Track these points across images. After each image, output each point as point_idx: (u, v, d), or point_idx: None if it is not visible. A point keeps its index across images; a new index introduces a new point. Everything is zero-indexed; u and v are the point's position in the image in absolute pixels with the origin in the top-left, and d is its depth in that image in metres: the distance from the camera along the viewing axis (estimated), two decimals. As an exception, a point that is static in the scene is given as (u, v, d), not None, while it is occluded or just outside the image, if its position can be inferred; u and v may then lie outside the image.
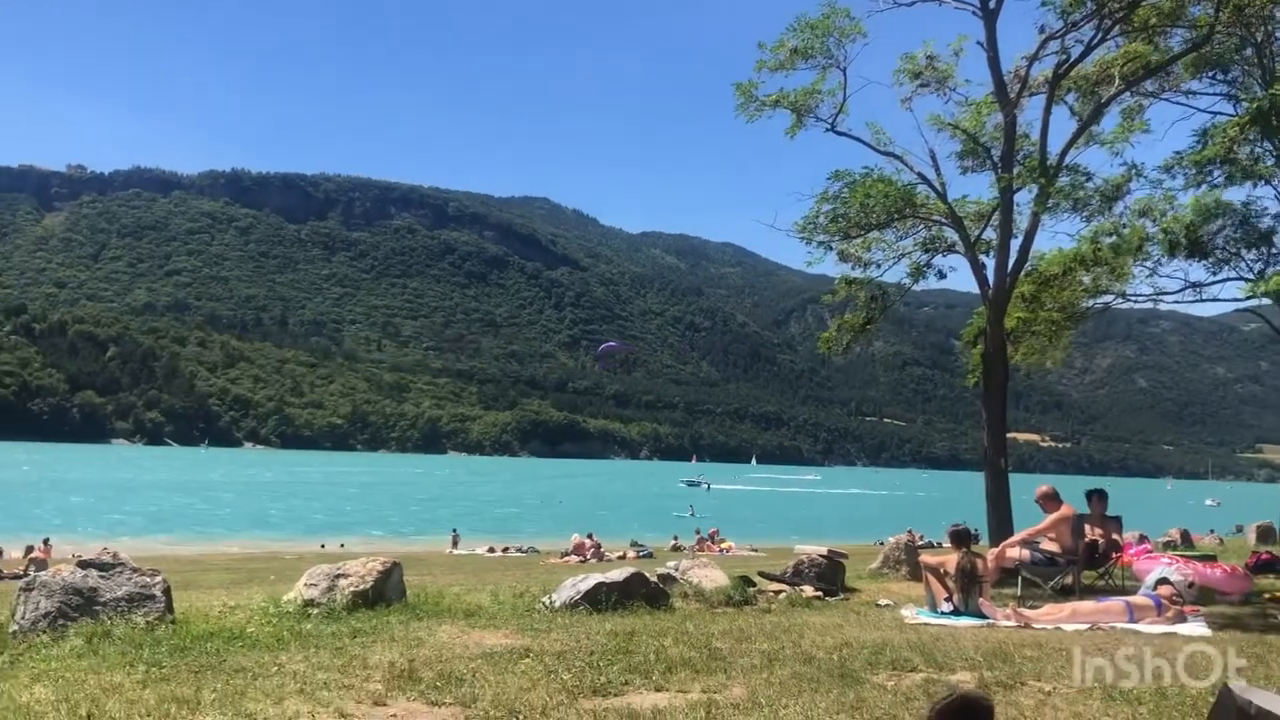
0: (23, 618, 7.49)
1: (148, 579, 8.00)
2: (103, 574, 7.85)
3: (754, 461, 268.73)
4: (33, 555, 25.12)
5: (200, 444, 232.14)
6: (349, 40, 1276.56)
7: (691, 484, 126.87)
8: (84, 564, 7.92)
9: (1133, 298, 19.16)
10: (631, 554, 31.06)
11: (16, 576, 21.51)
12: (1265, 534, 25.18)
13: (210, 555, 32.22)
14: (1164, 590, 10.07)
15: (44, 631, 7.30)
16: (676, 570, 11.48)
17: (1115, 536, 12.57)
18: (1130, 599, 9.99)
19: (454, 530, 40.32)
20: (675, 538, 38.35)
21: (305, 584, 9.11)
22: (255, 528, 48.14)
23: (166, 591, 8.04)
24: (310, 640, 7.47)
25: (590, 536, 32.81)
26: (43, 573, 8.08)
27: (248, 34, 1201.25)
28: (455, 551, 35.46)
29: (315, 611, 8.62)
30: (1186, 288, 18.74)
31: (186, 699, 5.40)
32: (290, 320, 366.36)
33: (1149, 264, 18.21)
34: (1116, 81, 14.87)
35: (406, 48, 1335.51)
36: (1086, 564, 11.81)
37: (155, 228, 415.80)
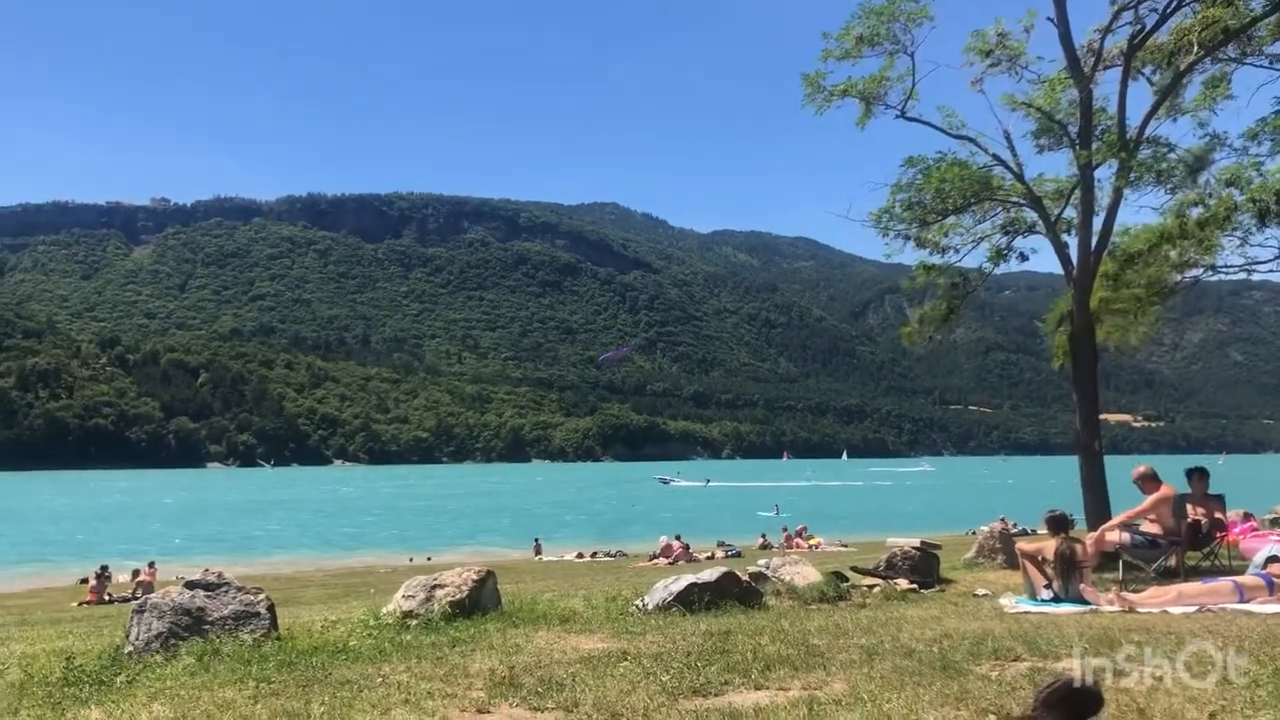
0: (137, 639, 7.74)
1: (252, 597, 8.20)
2: (209, 594, 8.07)
3: (844, 456, 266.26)
4: (140, 579, 25.91)
5: (266, 464, 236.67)
6: (415, 63, 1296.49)
7: (664, 481, 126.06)
8: (191, 584, 8.15)
9: (1223, 269, 18.57)
10: (720, 554, 30.98)
11: (125, 599, 22.26)
12: (1380, 506, 24.19)
13: (306, 572, 32.93)
14: (1275, 568, 9.72)
15: (157, 651, 7.53)
16: (768, 568, 11.43)
17: (1218, 515, 12.20)
18: (1239, 579, 9.67)
19: (536, 539, 40.61)
20: (763, 536, 38.17)
21: (403, 595, 9.26)
22: (343, 544, 49.03)
23: (270, 609, 8.24)
24: (411, 651, 7.60)
25: (678, 538, 32.80)
26: (153, 594, 8.34)
27: (317, 62, 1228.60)
28: (543, 558, 35.73)
29: (414, 622, 8.76)
30: (1279, 256, 18.12)
31: (297, 713, 5.53)
32: (372, 338, 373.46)
33: (1238, 234, 17.66)
34: (1195, 49, 14.43)
35: (471, 65, 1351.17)
36: (1190, 545, 11.48)
37: (238, 255, 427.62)
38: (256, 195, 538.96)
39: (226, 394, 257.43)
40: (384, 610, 9.30)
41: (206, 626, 7.80)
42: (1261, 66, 17.98)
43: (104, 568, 26.34)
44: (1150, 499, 11.14)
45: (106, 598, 24.51)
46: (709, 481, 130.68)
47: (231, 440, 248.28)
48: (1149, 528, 11.20)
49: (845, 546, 33.46)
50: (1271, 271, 18.74)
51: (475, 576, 9.38)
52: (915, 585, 11.56)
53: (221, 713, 5.58)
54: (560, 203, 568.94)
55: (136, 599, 10.11)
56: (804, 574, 11.24)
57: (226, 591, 8.14)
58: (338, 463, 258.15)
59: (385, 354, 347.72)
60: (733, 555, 30.07)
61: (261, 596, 8.26)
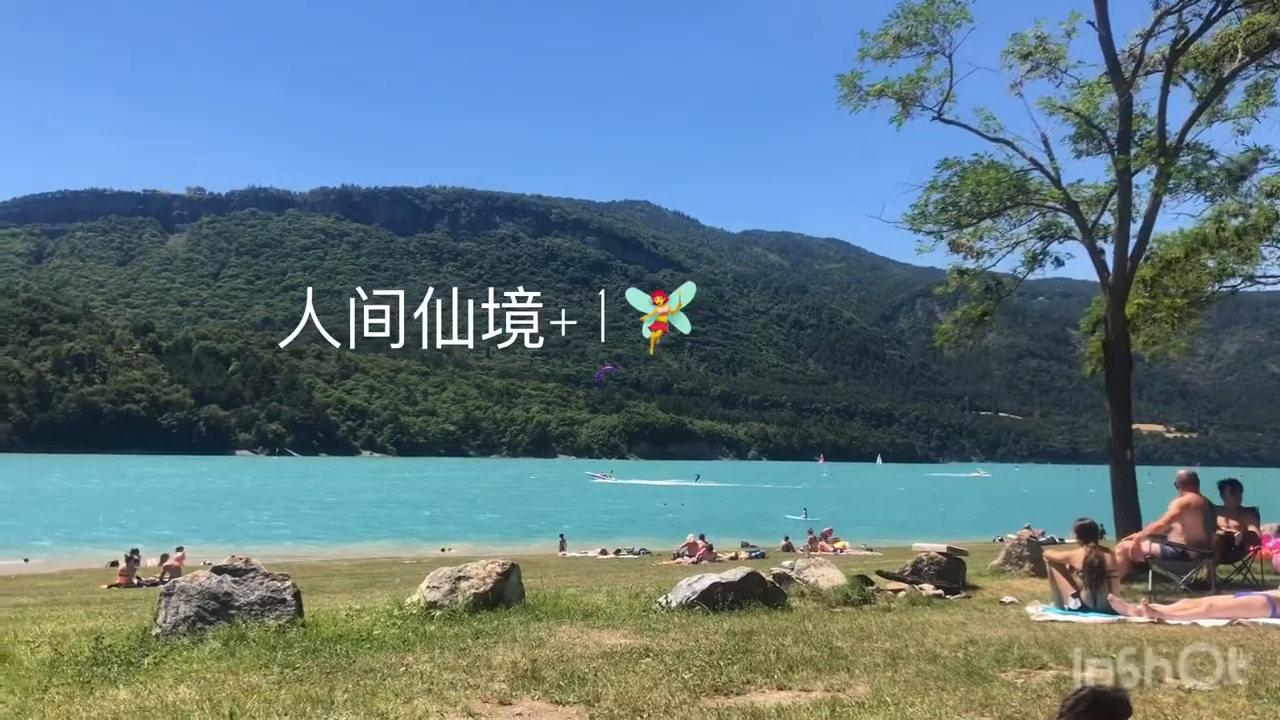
0: (164, 621, 7.82)
1: (278, 583, 8.27)
2: (236, 579, 8.15)
3: (879, 461, 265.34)
4: (168, 563, 26.15)
5: (286, 452, 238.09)
6: (446, 57, 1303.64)
7: (594, 476, 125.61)
8: (218, 570, 8.23)
9: (1262, 280, 18.33)
10: (744, 554, 30.91)
11: (154, 583, 22.47)
12: None
13: (332, 560, 33.14)
14: (1309, 583, 9.60)
15: (184, 634, 7.61)
16: (792, 570, 11.40)
17: (1252, 528, 12.04)
18: (1272, 593, 9.54)
19: (561, 534, 40.64)
20: (786, 538, 38.03)
21: (428, 586, 9.31)
22: (369, 534, 49.28)
23: (296, 595, 8.31)
24: (435, 641, 7.64)
25: (702, 537, 32.76)
26: (181, 578, 8.42)
27: (352, 55, 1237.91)
28: (567, 554, 35.79)
29: (438, 613, 8.80)
30: (1320, 268, 17.87)
31: (320, 699, 5.57)
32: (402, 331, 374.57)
33: (1279, 245, 17.43)
34: (1239, 55, 14.24)
35: (506, 62, 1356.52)
36: (1222, 557, 11.34)
37: (271, 245, 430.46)
38: (290, 186, 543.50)
39: (257, 383, 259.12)
40: (408, 600, 9.35)
41: (233, 611, 7.87)
42: (1308, 74, 17.78)
43: (134, 551, 26.58)
44: (1172, 506, 11.01)
45: (135, 581, 24.75)
46: (698, 476, 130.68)
47: (261, 429, 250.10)
48: (1177, 538, 11.06)
49: (871, 551, 33.31)
50: (1311, 283, 18.45)
51: (500, 569, 9.42)
52: (941, 591, 11.49)
53: (246, 696, 5.63)
54: (591, 200, 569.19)
55: (164, 583, 10.19)
56: (828, 576, 11.20)
57: (253, 577, 8.21)
58: (365, 453, 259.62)
59: (414, 346, 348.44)
60: (757, 556, 29.99)
61: (288, 583, 8.33)
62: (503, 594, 9.27)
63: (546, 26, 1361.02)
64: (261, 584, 8.18)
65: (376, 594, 12.99)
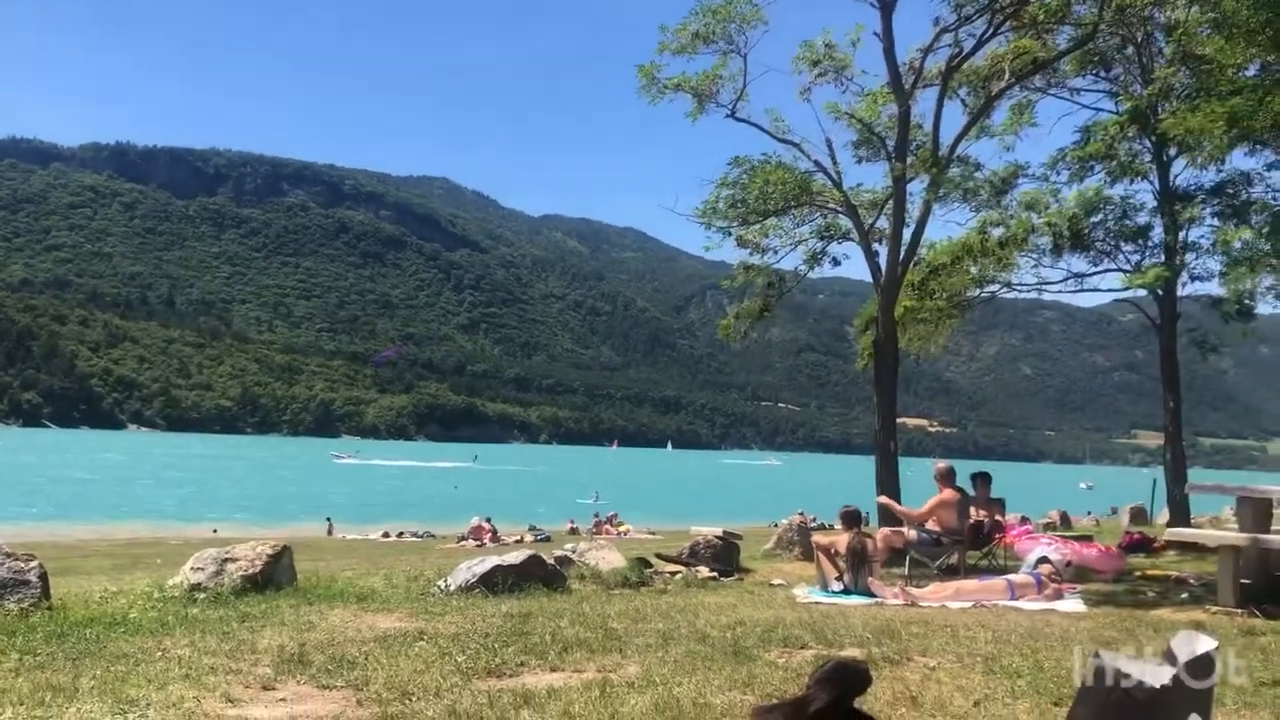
0: (-115, 605, 7.14)
1: (22, 564, 7.69)
2: (-28, 559, 7.53)
3: (669, 447, 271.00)
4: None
5: (43, 424, 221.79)
6: (238, 10, 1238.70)
7: (337, 457, 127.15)
8: (-48, 549, 7.58)
9: (1018, 288, 19.84)
10: (529, 537, 30.96)
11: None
12: (1137, 515, 26.36)
13: (92, 540, 31.05)
14: (1044, 569, 10.48)
15: (-94, 619, 6.97)
16: (574, 553, 11.53)
17: (998, 518, 13.05)
18: (1012, 577, 10.38)
19: (328, 518, 39.26)
20: (571, 521, 38.35)
21: (192, 568, 8.88)
22: (141, 513, 46.50)
23: (43, 577, 7.74)
24: (196, 625, 7.29)
25: (489, 520, 32.60)
26: (-93, 558, 7.70)
27: (134, 2, 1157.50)
28: (346, 536, 34.85)
29: (202, 596, 8.42)
30: (1069, 278, 19.50)
31: (63, 687, 5.21)
32: (177, 299, 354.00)
33: (1034, 255, 18.90)
34: (1006, 75, 15.34)
35: (301, 20, 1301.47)
36: (971, 544, 12.21)
37: (32, 201, 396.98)
38: (57, 139, 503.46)
39: (11, 348, 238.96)
40: (170, 582, 8.92)
41: (-34, 594, 7.27)
42: (1063, 99, 19.34)
43: None
44: (930, 502, 11.77)
45: None
46: (475, 459, 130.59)
47: (14, 398, 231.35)
48: (933, 526, 11.84)
49: (654, 534, 33.99)
50: (1060, 293, 20.09)
51: (270, 551, 9.10)
52: (716, 573, 11.87)
53: (-25, 686, 5.20)
54: (388, 173, 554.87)
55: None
56: (609, 559, 11.38)
57: (-8, 557, 7.60)
58: (133, 427, 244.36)
59: (191, 316, 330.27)
60: (542, 539, 30.10)
61: (34, 564, 7.76)
62: (273, 576, 8.95)
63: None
64: (2, 565, 7.58)
65: (137, 576, 12.27)
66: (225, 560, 8.90)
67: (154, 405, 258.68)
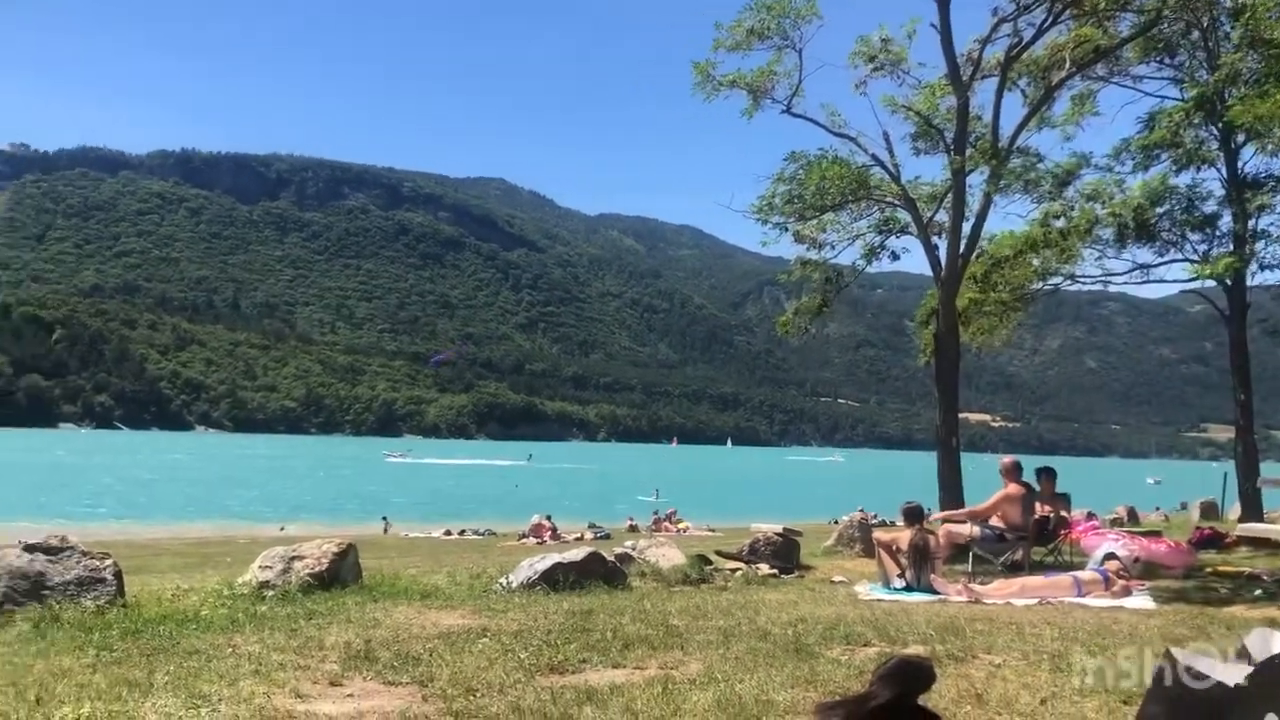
0: (-32, 603, 7.37)
1: (97, 562, 7.90)
2: (50, 558, 7.75)
3: (729, 444, 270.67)
4: (-22, 541, 24.61)
5: (115, 426, 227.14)
6: (297, 17, 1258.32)
7: (390, 456, 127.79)
8: (30, 548, 7.79)
9: (1082, 279, 19.47)
10: (589, 535, 31.07)
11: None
12: (1208, 510, 25.74)
13: (163, 540, 31.76)
14: (1111, 565, 10.28)
15: (-9, 617, 7.20)
16: (634, 550, 11.56)
17: (1064, 513, 12.82)
18: (1078, 574, 10.20)
19: (384, 517, 39.66)
20: (630, 518, 38.41)
21: (260, 566, 9.06)
22: (208, 513, 47.48)
23: (118, 575, 7.95)
24: (265, 622, 7.43)
25: (549, 518, 32.78)
26: (-11, 558, 7.95)
27: (196, 12, 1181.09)
28: (410, 534, 35.25)
29: (270, 594, 8.58)
30: (1134, 269, 19.08)
31: (138, 682, 5.36)
32: (243, 302, 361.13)
33: (1098, 247, 18.53)
34: (1067, 65, 15.06)
35: (358, 25, 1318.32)
36: (1036, 540, 12.03)
37: (103, 208, 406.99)
38: (125, 148, 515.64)
39: (84, 352, 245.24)
40: (239, 580, 9.09)
41: (46, 592, 7.49)
42: (1126, 87, 18.92)
43: (-61, 529, 24.96)
44: (994, 497, 11.61)
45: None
46: (530, 457, 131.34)
47: (87, 401, 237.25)
48: (996, 522, 11.68)
49: (713, 531, 33.93)
50: (1126, 284, 19.68)
51: (336, 549, 9.24)
52: (776, 570, 11.83)
53: (56, 681, 5.36)
54: (446, 175, 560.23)
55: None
56: (669, 556, 11.39)
57: (70, 556, 7.82)
58: (200, 429, 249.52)
59: (256, 319, 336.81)
60: (601, 537, 30.20)
61: (108, 562, 7.97)
62: (339, 574, 9.10)
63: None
64: (79, 563, 7.80)
65: (207, 574, 12.54)
66: (292, 558, 9.06)
67: (221, 407, 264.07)
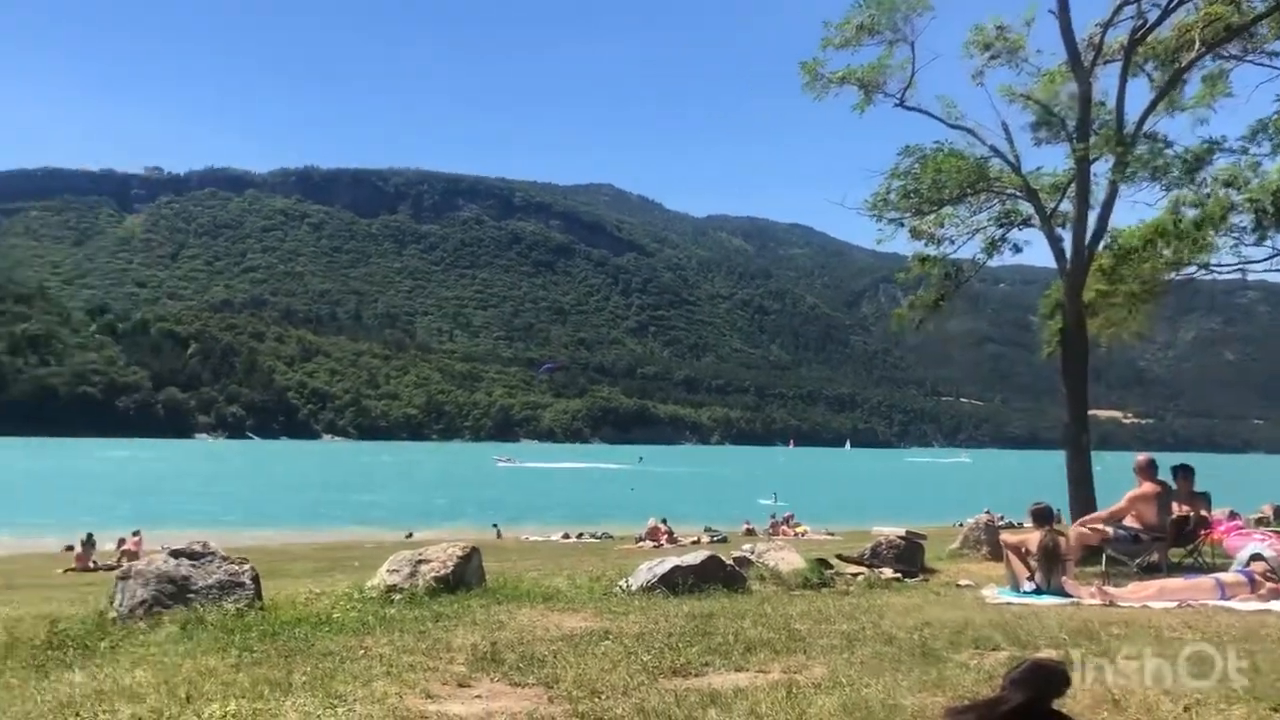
0: (121, 605, 7.75)
1: (236, 567, 8.22)
2: (194, 563, 8.09)
3: (847, 446, 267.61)
4: (125, 548, 25.84)
5: (247, 435, 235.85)
6: (409, 36, 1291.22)
7: (499, 461, 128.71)
8: (176, 553, 8.16)
9: (1217, 269, 18.60)
10: (705, 539, 31.05)
11: (110, 568, 22.21)
12: (1363, 508, 24.36)
13: (294, 545, 32.92)
14: (1257, 566, 9.78)
15: (141, 618, 7.55)
16: (752, 553, 11.49)
17: (1203, 513, 12.26)
18: (1221, 576, 9.73)
19: (495, 524, 40.11)
20: (747, 522, 38.22)
21: (388, 570, 9.29)
22: (332, 517, 49.03)
23: (255, 579, 8.26)
24: (394, 624, 7.63)
25: (664, 521, 32.87)
26: (138, 562, 8.35)
27: (308, 36, 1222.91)
28: (531, 538, 35.75)
29: (398, 597, 8.80)
30: (1274, 256, 18.14)
31: (278, 681, 5.56)
32: (364, 314, 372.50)
33: (1234, 234, 17.68)
34: (1196, 45, 14.43)
35: (468, 40, 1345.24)
36: (1174, 541, 11.54)
37: (230, 226, 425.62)
38: (250, 167, 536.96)
39: (216, 365, 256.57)
40: (368, 584, 9.34)
41: (190, 595, 7.82)
42: (1262, 64, 17.96)
43: (89, 535, 26.29)
44: (1127, 496, 11.18)
45: (92, 565, 24.49)
46: (640, 460, 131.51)
47: (220, 412, 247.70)
48: (1131, 522, 11.25)
49: (832, 535, 33.57)
50: (1268, 271, 18.71)
51: (460, 553, 9.43)
52: (899, 574, 11.63)
53: (204, 679, 5.61)
54: (555, 183, 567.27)
55: (121, 567, 10.09)
56: (788, 560, 11.29)
57: (211, 561, 8.15)
58: (327, 437, 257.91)
59: (377, 330, 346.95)
60: (718, 540, 30.13)
61: (246, 567, 8.28)
62: (463, 577, 9.28)
63: (510, 7, 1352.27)
64: (220, 567, 8.13)
65: (337, 578, 12.92)
66: (419, 562, 9.28)
67: (346, 415, 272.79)
